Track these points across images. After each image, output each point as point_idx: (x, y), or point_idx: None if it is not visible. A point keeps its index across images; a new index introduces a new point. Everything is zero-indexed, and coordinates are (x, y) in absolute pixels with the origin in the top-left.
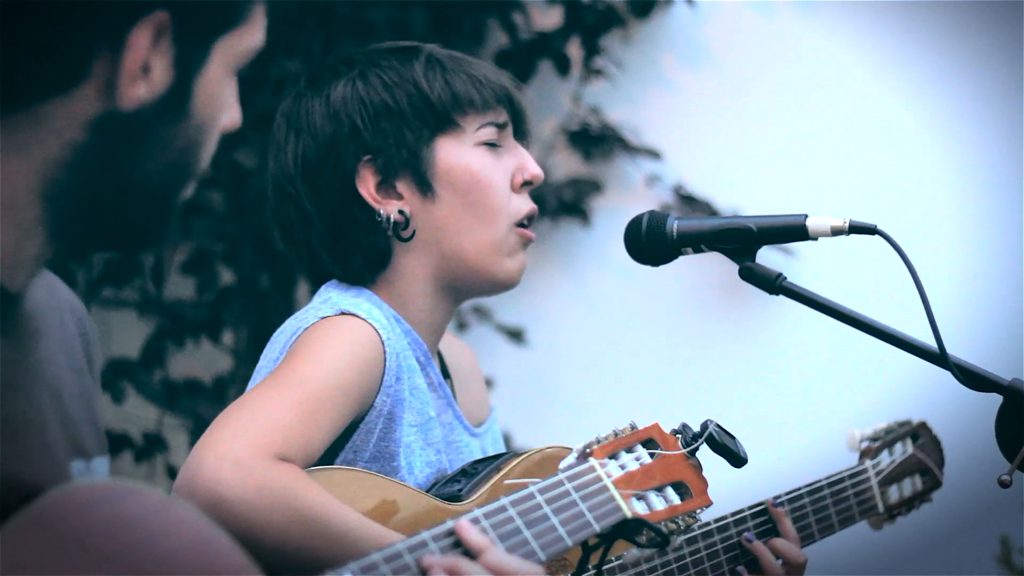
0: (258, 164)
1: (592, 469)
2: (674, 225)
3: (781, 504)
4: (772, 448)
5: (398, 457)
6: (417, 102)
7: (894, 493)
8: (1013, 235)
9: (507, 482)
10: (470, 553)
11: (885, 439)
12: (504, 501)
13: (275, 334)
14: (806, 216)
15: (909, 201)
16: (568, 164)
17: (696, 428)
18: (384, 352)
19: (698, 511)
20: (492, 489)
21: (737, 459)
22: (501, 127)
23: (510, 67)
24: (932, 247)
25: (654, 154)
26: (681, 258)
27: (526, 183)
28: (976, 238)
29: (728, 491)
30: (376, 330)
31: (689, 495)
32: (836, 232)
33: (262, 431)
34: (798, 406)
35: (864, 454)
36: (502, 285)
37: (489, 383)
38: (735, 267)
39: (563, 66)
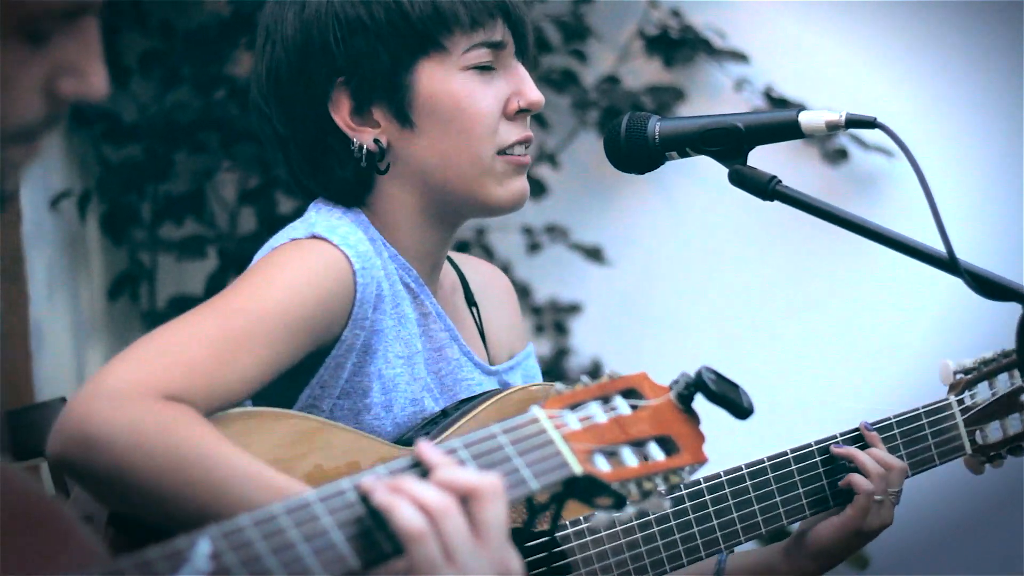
0: None
1: (535, 420)
2: (656, 127)
3: (875, 428)
4: (863, 375)
5: (371, 393)
6: (396, 20)
7: (995, 431)
8: (1013, 235)
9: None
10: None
11: (982, 371)
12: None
13: (257, 253)
14: (799, 111)
15: (905, 201)
16: (647, 71)
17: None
18: (355, 281)
19: (685, 469)
20: (457, 432)
21: (739, 410)
22: (495, 47)
23: None
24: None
25: (741, 57)
26: (780, 168)
27: (523, 110)
28: (976, 238)
29: (809, 428)
30: (348, 257)
31: (676, 451)
32: (832, 127)
33: (160, 367)
34: (895, 332)
35: (952, 388)
36: (497, 210)
37: (576, 308)
38: (837, 183)
39: None
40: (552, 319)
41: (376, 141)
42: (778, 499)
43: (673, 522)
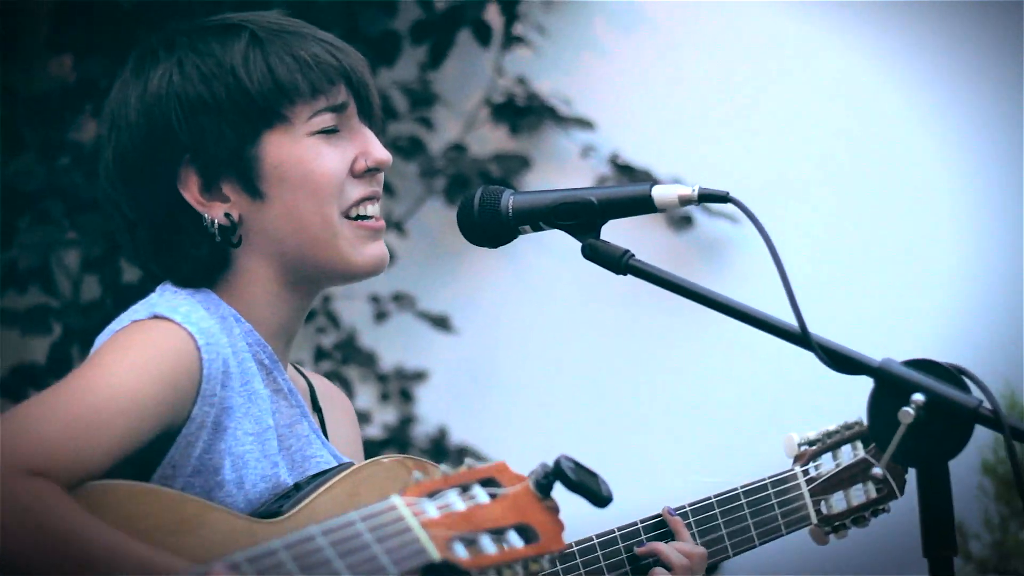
0: None
1: (393, 507)
2: (509, 200)
3: (682, 514)
4: (712, 448)
5: (223, 470)
6: (237, 96)
7: (839, 502)
8: (1012, 236)
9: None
10: None
11: (826, 442)
12: (276, 544)
13: (99, 336)
14: (652, 185)
15: (907, 202)
16: (494, 138)
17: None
18: (200, 357)
19: (544, 556)
20: (310, 506)
21: (598, 498)
22: (338, 110)
23: (427, 39)
24: (930, 249)
25: (586, 124)
26: (627, 235)
27: (370, 169)
28: (975, 239)
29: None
30: (191, 334)
31: (535, 539)
32: (685, 202)
33: (21, 446)
34: (742, 403)
35: (798, 459)
36: (355, 276)
37: (421, 375)
38: (682, 249)
39: (483, 35)
40: (398, 387)
41: (227, 215)
42: None
43: None
